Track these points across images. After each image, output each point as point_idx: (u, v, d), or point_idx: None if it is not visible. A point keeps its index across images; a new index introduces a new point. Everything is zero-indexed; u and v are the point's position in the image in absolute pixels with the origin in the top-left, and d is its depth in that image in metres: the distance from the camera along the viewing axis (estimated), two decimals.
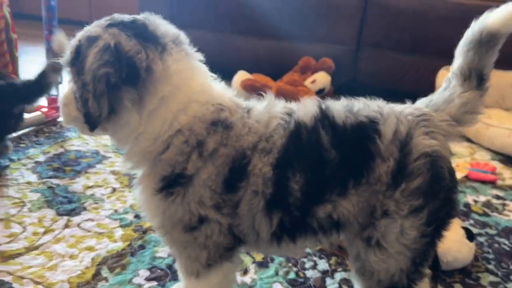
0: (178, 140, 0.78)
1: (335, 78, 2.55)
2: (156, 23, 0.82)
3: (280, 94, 2.16)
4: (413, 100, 0.88)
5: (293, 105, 0.85)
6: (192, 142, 0.78)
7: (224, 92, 0.84)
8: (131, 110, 0.78)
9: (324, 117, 0.80)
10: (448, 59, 0.92)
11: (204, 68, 0.85)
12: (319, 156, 0.78)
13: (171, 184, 0.79)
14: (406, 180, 0.78)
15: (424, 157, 0.77)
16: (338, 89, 2.63)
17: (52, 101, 1.93)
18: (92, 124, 0.79)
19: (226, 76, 3.58)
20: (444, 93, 0.84)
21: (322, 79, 2.45)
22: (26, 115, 1.65)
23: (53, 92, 1.88)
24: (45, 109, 1.90)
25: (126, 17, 0.81)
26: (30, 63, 2.50)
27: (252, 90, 2.16)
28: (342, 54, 2.68)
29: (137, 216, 1.28)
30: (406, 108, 0.83)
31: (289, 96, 2.16)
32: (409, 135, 0.78)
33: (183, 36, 0.85)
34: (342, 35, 2.66)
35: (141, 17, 0.82)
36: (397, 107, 0.83)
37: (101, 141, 1.77)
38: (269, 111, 0.82)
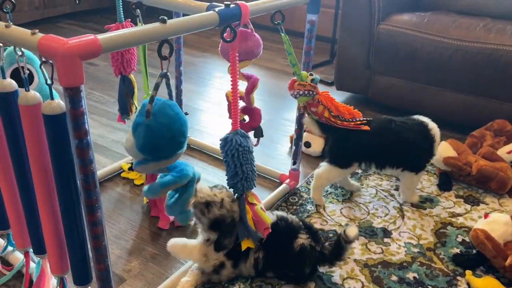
0: None
1: None
2: None
3: (481, 173, 2.41)
4: None
5: None
6: None
7: None
8: None
9: None
10: None
11: None
12: None
13: None
14: None
15: None
16: None
17: (293, 175, 2.46)
18: None
19: None
20: None
21: None
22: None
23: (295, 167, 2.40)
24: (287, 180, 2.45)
25: None
26: None
27: (454, 167, 2.44)
28: None
29: None
30: None
31: (489, 176, 2.42)
32: None
33: None
34: None
35: None
36: None
37: (335, 218, 2.26)
38: None
